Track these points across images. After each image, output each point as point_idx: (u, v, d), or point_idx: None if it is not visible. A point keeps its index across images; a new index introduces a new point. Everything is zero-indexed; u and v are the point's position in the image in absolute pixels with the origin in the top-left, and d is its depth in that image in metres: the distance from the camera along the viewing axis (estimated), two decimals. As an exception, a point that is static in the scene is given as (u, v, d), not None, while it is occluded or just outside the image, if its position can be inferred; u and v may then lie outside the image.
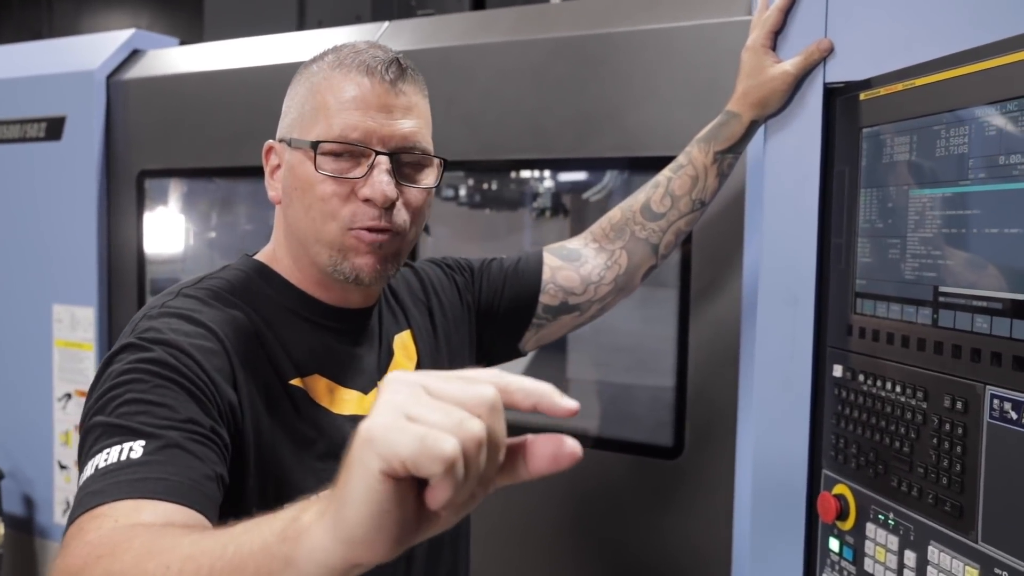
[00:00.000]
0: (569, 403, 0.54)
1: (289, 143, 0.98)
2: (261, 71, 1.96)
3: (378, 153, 0.94)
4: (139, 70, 2.12)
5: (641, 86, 1.51)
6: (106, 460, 0.76)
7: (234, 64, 2.01)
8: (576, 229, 2.05)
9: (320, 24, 2.39)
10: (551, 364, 2.12)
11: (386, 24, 1.84)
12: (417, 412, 0.50)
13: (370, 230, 0.94)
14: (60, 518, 2.18)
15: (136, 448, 0.76)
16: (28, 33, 7.20)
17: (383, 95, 0.94)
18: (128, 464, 0.75)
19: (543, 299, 1.28)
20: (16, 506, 2.23)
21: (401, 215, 0.96)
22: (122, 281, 2.12)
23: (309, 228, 0.96)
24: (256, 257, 1.06)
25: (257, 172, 2.00)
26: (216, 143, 2.00)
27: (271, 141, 1.03)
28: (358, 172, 0.94)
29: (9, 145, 2.20)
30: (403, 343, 1.13)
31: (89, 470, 0.76)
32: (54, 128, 2.13)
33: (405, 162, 0.97)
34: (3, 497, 2.19)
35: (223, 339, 0.91)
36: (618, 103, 1.53)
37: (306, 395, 0.97)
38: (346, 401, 1.00)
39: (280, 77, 1.90)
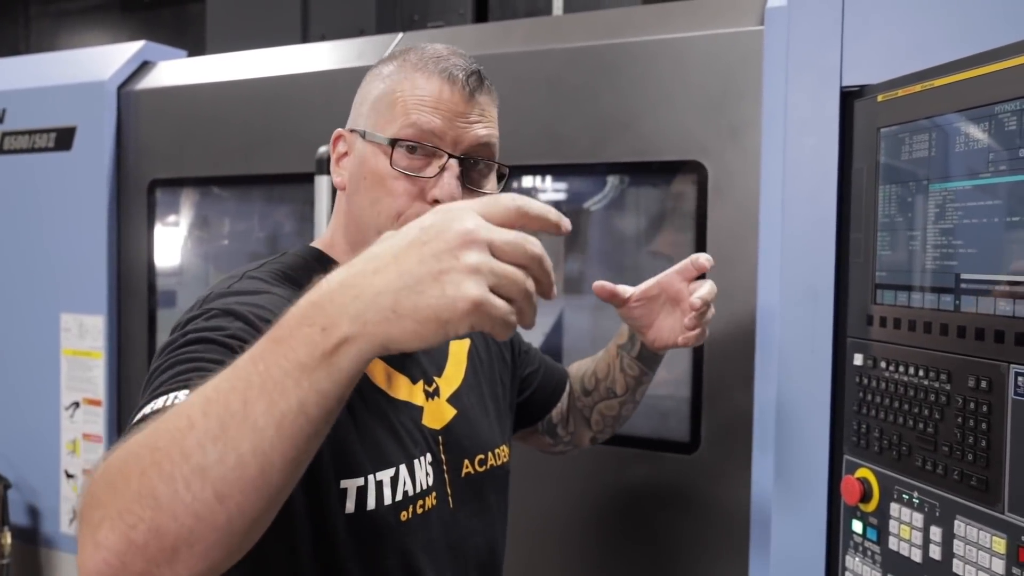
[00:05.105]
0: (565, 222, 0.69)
1: (363, 135, 1.02)
2: (270, 81, 1.99)
3: (450, 156, 0.99)
4: (149, 81, 2.15)
5: (655, 94, 1.57)
6: (151, 408, 0.77)
7: (243, 75, 2.04)
8: (571, 239, 2.10)
9: (323, 37, 2.43)
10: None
11: (400, 35, 1.89)
12: (495, 282, 0.62)
13: None
14: (66, 528, 2.17)
15: (181, 396, 0.77)
16: (5, 50, 7.17)
17: (461, 102, 0.99)
18: (172, 406, 0.76)
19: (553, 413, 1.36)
20: (21, 517, 2.23)
21: None
22: (132, 290, 2.13)
23: (372, 219, 1.00)
24: (313, 245, 1.10)
25: (267, 180, 2.04)
26: (227, 152, 2.03)
27: (340, 130, 1.08)
28: (429, 172, 0.99)
29: (19, 155, 2.21)
30: (459, 349, 1.17)
31: (137, 417, 0.78)
32: (64, 138, 2.15)
33: (472, 167, 1.02)
34: (9, 507, 2.18)
35: None
36: (632, 110, 1.59)
37: (365, 376, 1.00)
38: (400, 387, 1.04)
39: (289, 88, 1.95)
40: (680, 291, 1.19)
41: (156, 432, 0.63)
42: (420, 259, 0.61)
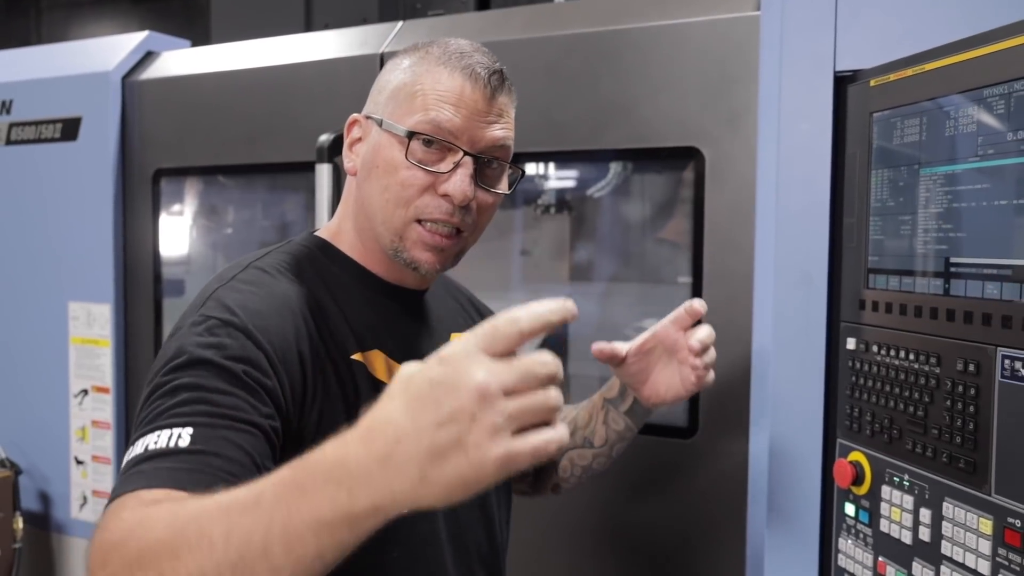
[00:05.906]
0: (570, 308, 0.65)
1: (380, 123, 1.02)
2: (274, 71, 2.01)
3: (466, 153, 0.99)
4: (154, 71, 2.16)
5: (653, 80, 1.57)
6: (155, 443, 0.80)
7: (246, 64, 2.06)
8: (576, 227, 2.11)
9: (327, 26, 2.44)
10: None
11: (400, 23, 1.90)
12: (518, 424, 0.61)
13: (439, 222, 1.00)
14: (77, 513, 2.20)
15: (184, 436, 0.80)
16: (16, 42, 7.21)
17: (481, 101, 0.99)
18: (174, 452, 0.79)
19: None
20: (33, 502, 2.26)
21: (470, 216, 1.02)
22: (138, 278, 2.15)
23: (380, 208, 1.01)
24: (318, 234, 1.11)
25: (270, 169, 2.06)
26: (230, 141, 2.05)
27: (356, 115, 1.08)
28: (443, 167, 0.99)
29: (25, 146, 2.23)
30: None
31: (139, 448, 0.80)
32: (70, 129, 2.17)
33: (487, 165, 1.02)
34: (20, 493, 2.21)
35: (293, 312, 0.95)
36: (631, 97, 1.59)
37: (365, 369, 1.01)
38: None
39: (292, 76, 1.97)
40: (676, 341, 1.16)
41: (179, 539, 0.66)
42: (438, 422, 0.60)
